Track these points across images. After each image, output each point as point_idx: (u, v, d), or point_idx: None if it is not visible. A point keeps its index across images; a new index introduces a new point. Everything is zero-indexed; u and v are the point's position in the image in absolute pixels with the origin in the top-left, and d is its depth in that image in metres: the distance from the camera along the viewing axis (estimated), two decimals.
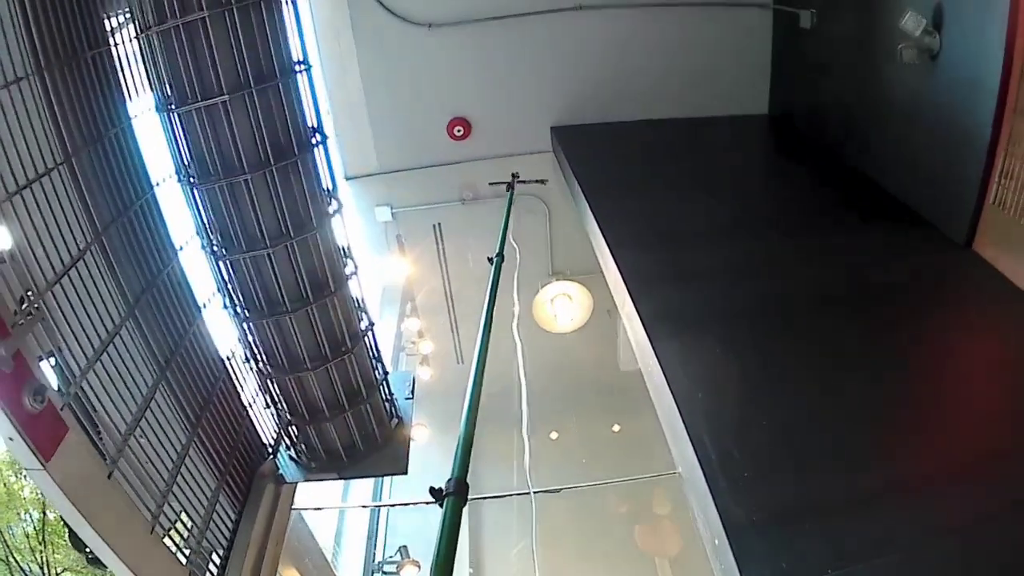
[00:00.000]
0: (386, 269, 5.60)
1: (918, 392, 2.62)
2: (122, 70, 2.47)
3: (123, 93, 2.49)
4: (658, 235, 3.94)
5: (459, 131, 5.31)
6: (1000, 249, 3.13)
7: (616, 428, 5.83)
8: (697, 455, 2.44)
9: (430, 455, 5.76)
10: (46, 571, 8.11)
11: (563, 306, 5.54)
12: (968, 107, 3.13)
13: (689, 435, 2.54)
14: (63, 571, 8.28)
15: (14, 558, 8.14)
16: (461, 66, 5.15)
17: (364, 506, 4.24)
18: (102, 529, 2.07)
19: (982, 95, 3.01)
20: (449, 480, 1.46)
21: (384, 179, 5.40)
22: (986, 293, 3.09)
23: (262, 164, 2.46)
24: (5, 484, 8.30)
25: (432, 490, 1.45)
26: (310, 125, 2.70)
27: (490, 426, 5.89)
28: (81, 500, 2.00)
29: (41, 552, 8.01)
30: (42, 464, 1.89)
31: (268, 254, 2.55)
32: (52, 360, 2.13)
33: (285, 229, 2.58)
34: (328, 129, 5.11)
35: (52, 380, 2.10)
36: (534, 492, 3.17)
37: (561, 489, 3.59)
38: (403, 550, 4.05)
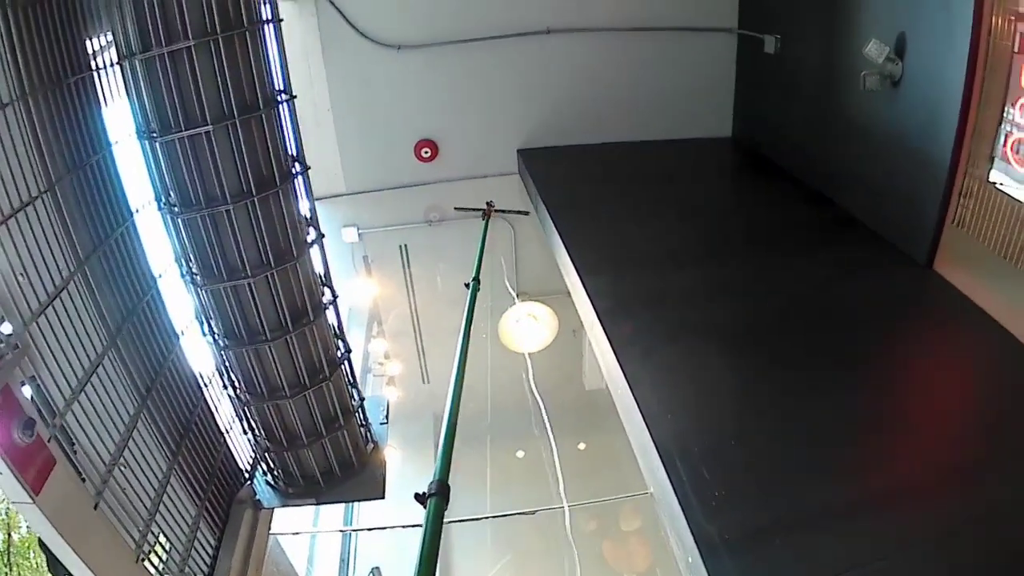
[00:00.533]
0: (353, 290, 5.59)
1: (885, 409, 2.68)
2: (103, 96, 2.47)
3: (103, 119, 2.49)
4: (625, 258, 3.99)
5: (426, 152, 5.35)
6: (960, 268, 3.24)
7: (582, 446, 5.91)
8: (668, 475, 2.47)
9: (404, 475, 5.77)
10: None
11: (529, 327, 5.60)
12: (929, 131, 3.25)
13: (660, 455, 2.57)
14: None
15: None
16: (429, 88, 5.19)
17: (342, 530, 4.22)
18: (90, 559, 2.07)
19: (943, 119, 3.13)
20: (431, 483, 1.53)
21: (351, 200, 5.40)
22: (947, 311, 3.20)
23: (244, 194, 2.48)
24: None
25: (416, 495, 1.53)
26: (291, 154, 2.73)
27: (459, 448, 5.95)
28: (69, 532, 2.01)
29: (7, 574, 7.69)
30: (32, 498, 1.89)
31: (249, 283, 2.57)
32: (31, 390, 2.13)
33: (266, 259, 2.60)
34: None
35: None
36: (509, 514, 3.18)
37: (536, 511, 3.62)
38: (375, 571, 4.04)
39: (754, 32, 4.92)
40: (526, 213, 4.40)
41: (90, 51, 2.43)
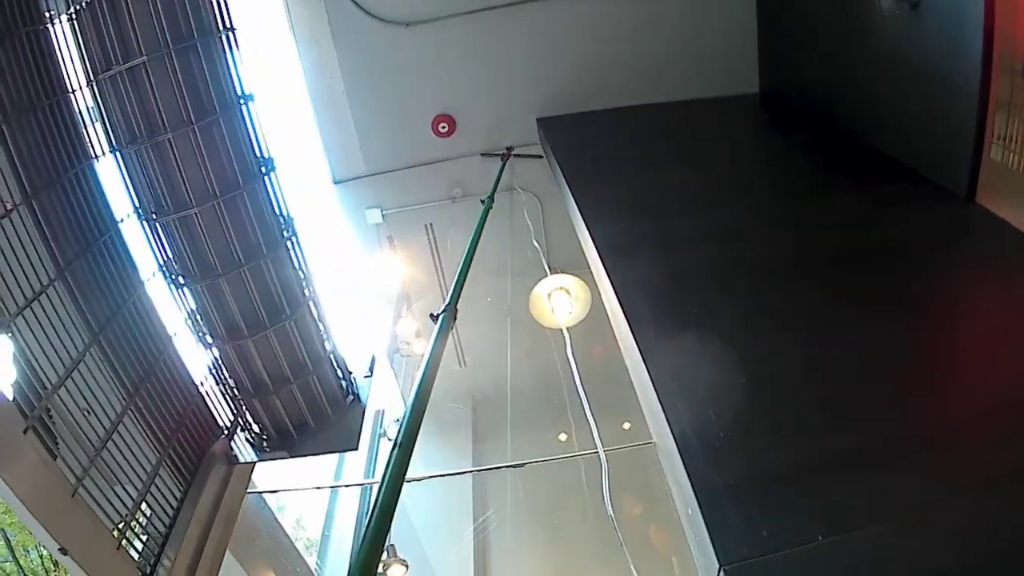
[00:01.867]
0: (379, 271, 5.54)
1: (920, 349, 2.39)
2: (80, 114, 2.53)
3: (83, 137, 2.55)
4: (636, 208, 3.75)
5: (444, 128, 5.26)
6: (1004, 197, 2.89)
7: (627, 426, 5.60)
8: (667, 419, 2.23)
9: (428, 462, 5.66)
10: None
11: (561, 300, 5.37)
12: (954, 53, 2.95)
13: (659, 397, 2.33)
14: None
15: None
16: (442, 62, 5.11)
17: (318, 487, 4.10)
18: (14, 483, 1.99)
19: (968, 38, 2.82)
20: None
21: (372, 181, 5.37)
22: (992, 243, 2.86)
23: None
24: None
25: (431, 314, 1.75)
26: (258, 156, 2.71)
27: (488, 443, 5.78)
28: None
29: (55, 573, 8.06)
30: None
31: (195, 213, 2.52)
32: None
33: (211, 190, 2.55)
34: (312, 134, 5.20)
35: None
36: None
37: (524, 464, 3.40)
38: (391, 549, 3.90)
39: None
40: (540, 156, 4.23)
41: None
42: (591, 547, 5.08)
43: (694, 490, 1.96)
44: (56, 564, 8.01)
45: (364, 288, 5.51)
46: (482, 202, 4.07)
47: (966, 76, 2.87)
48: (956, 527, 1.74)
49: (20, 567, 8.20)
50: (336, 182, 5.38)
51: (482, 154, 5.08)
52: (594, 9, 4.99)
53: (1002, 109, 2.76)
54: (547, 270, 5.57)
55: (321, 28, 4.96)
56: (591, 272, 3.72)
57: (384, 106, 5.24)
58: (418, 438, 4.83)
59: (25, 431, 2.07)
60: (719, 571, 1.76)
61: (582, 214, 3.74)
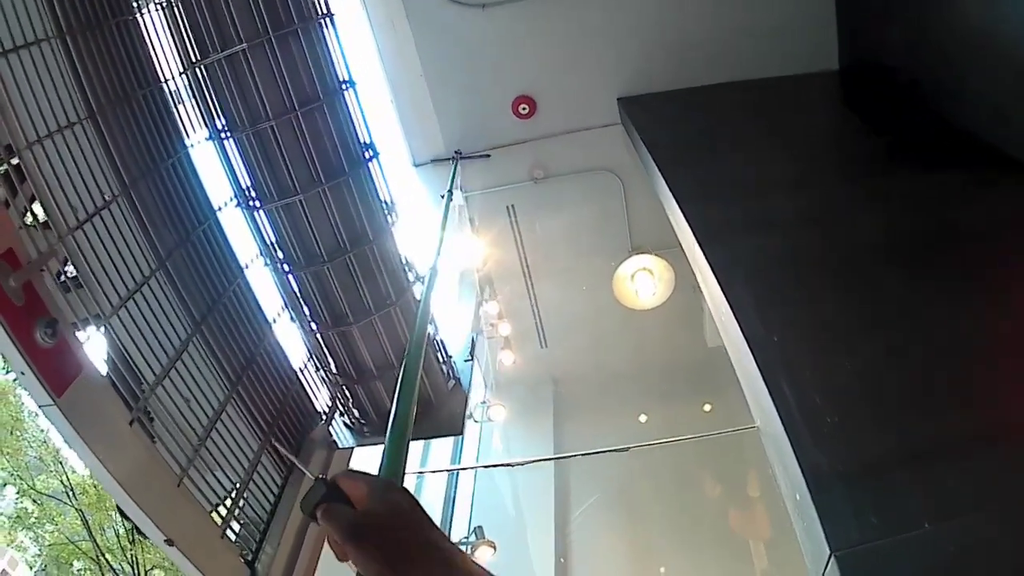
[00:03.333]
0: (462, 253, 5.54)
1: (1017, 335, 2.29)
2: (175, 103, 2.56)
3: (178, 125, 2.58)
4: (728, 189, 3.68)
5: (524, 109, 5.17)
6: None
7: (707, 408, 5.47)
8: (775, 403, 2.22)
9: (509, 444, 5.66)
10: (136, 569, 8.55)
11: (644, 281, 5.27)
12: None
13: (765, 381, 2.31)
14: (152, 568, 8.65)
15: (105, 558, 8.61)
16: (520, 43, 5.01)
17: (420, 472, 4.11)
18: (119, 474, 2.03)
19: None
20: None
21: (471, 158, 5.35)
22: None
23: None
24: (96, 487, 8.74)
25: None
26: (361, 141, 2.69)
27: (569, 424, 5.73)
28: (96, 442, 1.97)
29: (131, 551, 8.45)
30: (53, 400, 1.87)
31: (299, 200, 2.52)
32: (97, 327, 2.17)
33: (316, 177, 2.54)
34: (392, 119, 5.20)
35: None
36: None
37: (629, 448, 3.36)
38: (478, 530, 3.91)
39: None
40: (487, 155, 4.22)
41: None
42: (681, 532, 5.01)
43: (804, 475, 1.96)
44: (132, 542, 8.45)
45: (447, 271, 5.51)
46: (442, 197, 4.05)
47: None
48: None
49: (96, 545, 8.68)
50: (416, 165, 5.37)
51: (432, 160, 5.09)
52: None
53: None
54: (630, 250, 5.48)
55: (396, 12, 4.93)
56: (678, 253, 3.69)
57: (463, 88, 5.19)
58: (502, 419, 4.85)
59: (131, 423, 2.10)
60: (829, 557, 1.77)
61: (674, 195, 3.66)
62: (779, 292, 2.79)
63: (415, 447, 2.74)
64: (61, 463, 8.47)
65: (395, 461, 1.44)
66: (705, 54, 4.95)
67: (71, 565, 9.04)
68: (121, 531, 8.36)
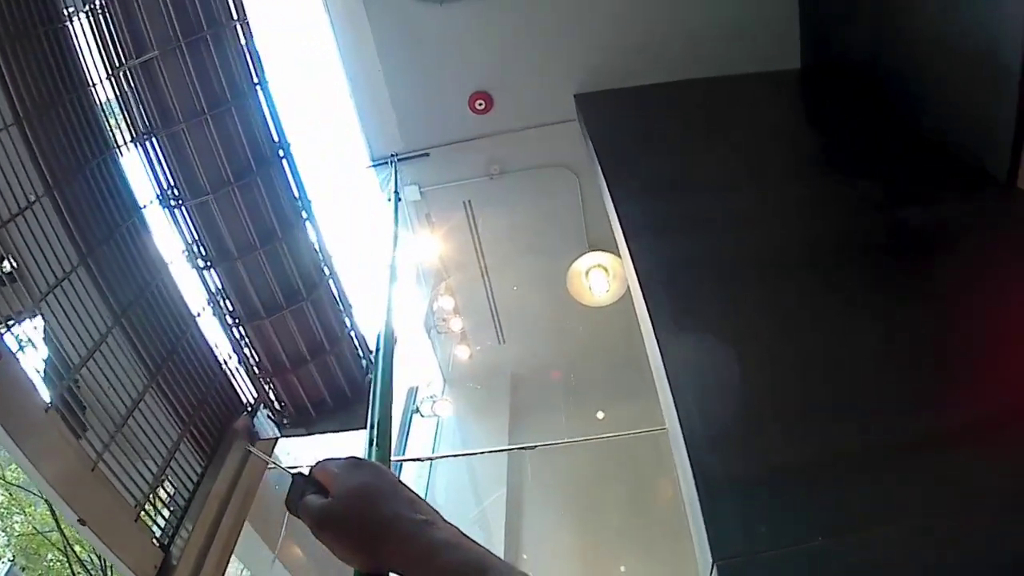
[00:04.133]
0: (418, 248, 5.60)
1: (944, 344, 2.28)
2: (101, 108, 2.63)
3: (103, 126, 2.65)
4: (666, 188, 3.70)
5: (481, 105, 5.21)
6: None
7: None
8: (676, 408, 2.22)
9: (465, 437, 5.74)
10: (103, 561, 8.57)
11: (598, 278, 5.34)
12: (997, 30, 2.83)
13: (670, 385, 2.32)
14: None
15: (73, 550, 8.66)
16: (477, 39, 5.06)
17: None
18: (35, 457, 2.12)
19: (1011, 19, 2.71)
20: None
21: (410, 158, 5.41)
22: None
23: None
24: None
25: None
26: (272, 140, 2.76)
27: (525, 419, 5.80)
28: (15, 428, 2.05)
29: None
30: None
31: (211, 199, 2.59)
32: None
33: (226, 178, 2.62)
34: (349, 113, 5.26)
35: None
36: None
37: (536, 446, 3.43)
38: None
39: None
40: (427, 154, 4.27)
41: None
42: (619, 527, 5.10)
43: (695, 481, 1.95)
44: None
45: (403, 265, 5.57)
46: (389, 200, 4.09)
47: (1009, 58, 2.76)
48: (960, 535, 1.68)
49: (64, 536, 8.74)
50: (373, 160, 5.43)
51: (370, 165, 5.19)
52: None
53: None
54: (586, 247, 5.55)
55: (356, 6, 4.97)
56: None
57: (421, 84, 5.22)
58: (454, 414, 4.90)
59: (46, 410, 2.19)
60: (712, 566, 1.73)
61: (611, 194, 3.69)
62: (698, 296, 2.78)
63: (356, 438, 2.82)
64: None
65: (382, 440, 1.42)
66: (665, 51, 4.98)
67: (39, 556, 9.11)
68: None
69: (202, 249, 2.74)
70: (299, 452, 3.32)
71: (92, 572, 9.04)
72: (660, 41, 4.98)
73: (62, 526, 8.62)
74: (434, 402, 4.76)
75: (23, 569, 9.44)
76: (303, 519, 0.80)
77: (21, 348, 2.24)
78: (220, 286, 2.80)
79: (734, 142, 4.09)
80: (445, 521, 0.77)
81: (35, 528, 9.01)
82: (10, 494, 9.09)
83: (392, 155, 5.05)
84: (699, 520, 1.87)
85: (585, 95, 5.18)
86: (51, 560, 9.25)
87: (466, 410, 5.45)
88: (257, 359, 2.91)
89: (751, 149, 3.97)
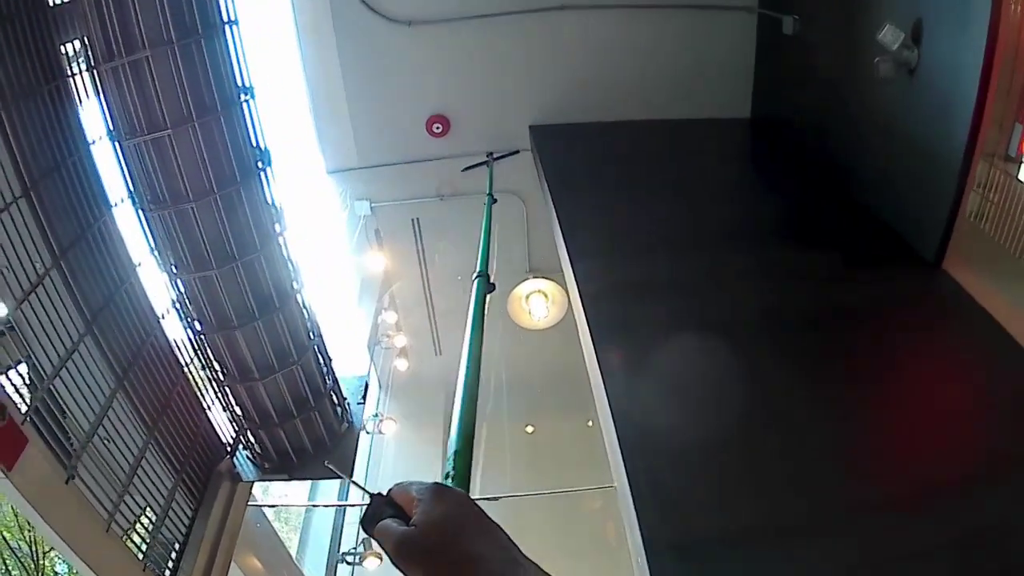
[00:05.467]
0: (364, 263, 5.74)
1: (875, 419, 2.57)
2: (79, 99, 2.61)
3: (80, 121, 2.63)
4: (619, 244, 3.93)
5: (438, 128, 5.38)
6: (969, 268, 3.09)
7: (590, 423, 5.98)
8: (627, 472, 2.44)
9: (401, 445, 5.99)
10: (34, 549, 8.26)
11: (537, 303, 5.67)
12: (944, 121, 3.08)
13: (621, 450, 2.54)
14: (50, 549, 8.36)
15: (3, 536, 8.32)
16: (441, 64, 5.21)
17: (313, 505, 4.44)
18: (60, 529, 2.26)
19: (958, 107, 2.96)
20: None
21: (363, 174, 5.50)
22: (953, 316, 3.05)
23: (207, 192, 2.61)
24: None
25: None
26: (256, 149, 2.82)
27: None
28: (41, 504, 2.19)
29: (30, 531, 8.17)
30: (4, 474, 2.08)
31: (215, 275, 2.72)
32: (23, 368, 2.33)
33: (231, 251, 2.73)
34: (308, 123, 5.29)
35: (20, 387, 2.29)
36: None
37: (500, 498, 3.75)
38: (366, 541, 4.24)
39: (773, 12, 4.74)
40: (517, 152, 4.43)
41: (64, 56, 2.56)
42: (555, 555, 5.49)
43: (643, 542, 2.19)
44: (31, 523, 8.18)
45: (349, 279, 5.71)
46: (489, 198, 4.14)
47: (951, 147, 3.01)
48: None
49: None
50: (329, 172, 5.50)
51: (463, 169, 5.27)
52: (595, 23, 5.10)
53: (978, 187, 2.94)
54: (527, 272, 5.85)
55: (324, 20, 5.00)
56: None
57: (380, 101, 5.34)
58: (393, 423, 5.10)
59: (67, 481, 2.33)
60: None
61: (568, 252, 3.86)
62: (649, 363, 2.96)
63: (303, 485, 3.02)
64: None
65: (461, 462, 1.31)
66: (621, 91, 5.29)
67: None
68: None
69: (196, 312, 2.86)
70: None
71: (22, 559, 8.66)
72: (617, 81, 5.28)
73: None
74: (380, 420, 4.97)
75: None
76: (381, 542, 0.80)
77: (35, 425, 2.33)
78: (210, 348, 2.94)
79: (682, 193, 4.38)
80: (526, 558, 0.77)
81: None
82: None
83: (489, 154, 5.07)
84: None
85: (540, 127, 5.43)
86: None
87: (403, 422, 5.68)
88: (245, 411, 3.08)
89: (698, 204, 4.23)
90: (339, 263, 5.68)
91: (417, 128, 5.41)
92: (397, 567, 0.78)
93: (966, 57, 2.91)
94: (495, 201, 3.77)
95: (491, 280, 2.52)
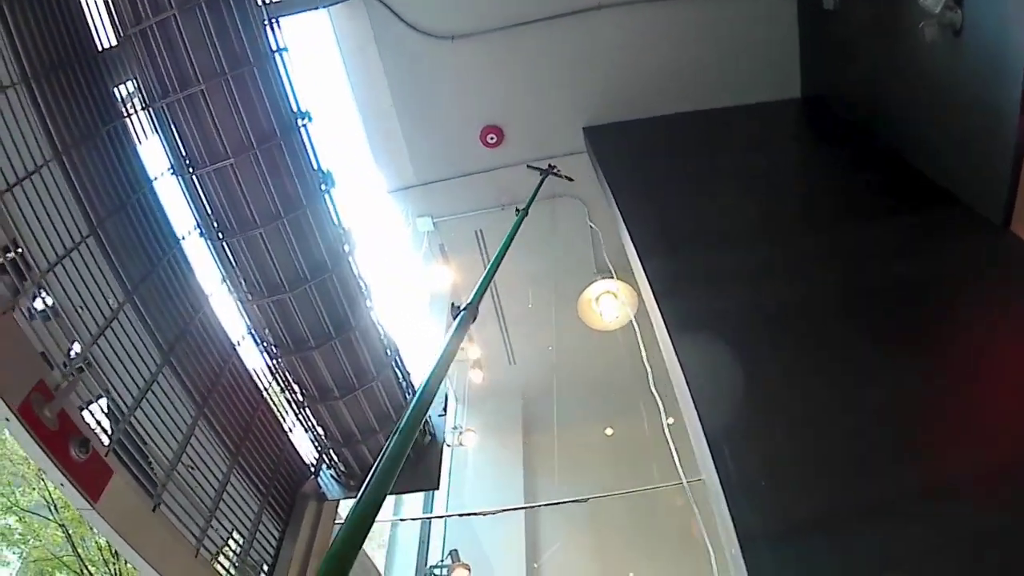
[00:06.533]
0: (431, 278, 5.78)
1: (950, 396, 2.48)
2: (137, 138, 2.71)
3: (140, 159, 2.73)
4: (685, 237, 3.89)
5: (492, 139, 5.40)
6: None
7: (671, 420, 5.82)
8: (715, 461, 2.43)
9: (481, 456, 5.98)
10: None
11: (608, 303, 5.57)
12: (997, 78, 2.96)
13: (708, 442, 2.53)
14: None
15: (88, 571, 8.70)
16: (488, 75, 5.22)
17: (395, 520, 4.44)
18: (149, 557, 2.31)
19: (1010, 62, 2.85)
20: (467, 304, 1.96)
21: (423, 190, 5.56)
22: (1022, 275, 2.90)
23: (274, 216, 2.65)
24: None
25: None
26: (318, 171, 2.85)
27: (536, 435, 6.05)
28: (129, 533, 2.25)
29: (114, 564, 8.51)
30: (91, 505, 2.14)
31: (290, 298, 2.75)
32: (103, 401, 2.41)
33: (303, 274, 2.77)
34: (362, 146, 5.37)
35: (101, 421, 2.36)
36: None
37: (588, 499, 3.67)
38: (454, 554, 4.23)
39: None
40: (571, 179, 4.39)
41: (119, 97, 2.67)
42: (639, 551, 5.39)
43: (736, 534, 2.18)
44: (115, 555, 8.53)
45: (418, 295, 5.76)
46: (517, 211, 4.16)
47: (1006, 105, 2.89)
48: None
49: (80, 557, 8.80)
50: (389, 192, 5.57)
51: (528, 165, 5.22)
52: (633, 19, 5.02)
53: None
54: (595, 273, 5.77)
55: (367, 43, 5.07)
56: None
57: (431, 117, 5.38)
58: (474, 434, 5.11)
59: (154, 509, 2.38)
60: None
61: (635, 246, 3.83)
62: (727, 352, 2.92)
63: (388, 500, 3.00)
64: (43, 478, 8.52)
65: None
66: (669, 83, 5.18)
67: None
68: (103, 543, 8.46)
69: (275, 338, 2.90)
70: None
71: None
72: (664, 73, 5.17)
73: (77, 549, 8.66)
74: (460, 432, 4.97)
75: None
76: None
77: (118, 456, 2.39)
78: (289, 370, 2.98)
79: (743, 184, 4.25)
80: None
81: (51, 552, 9.03)
82: (23, 520, 9.07)
83: (550, 165, 5.05)
84: (741, 570, 2.11)
85: (593, 128, 5.38)
86: None
87: (482, 433, 5.68)
88: (327, 430, 3.10)
89: (760, 192, 4.12)
90: (407, 281, 5.72)
91: (471, 141, 5.43)
92: None
93: (1011, 11, 2.80)
94: (526, 215, 3.71)
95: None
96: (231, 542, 2.75)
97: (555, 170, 4.67)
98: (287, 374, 2.99)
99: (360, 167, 5.54)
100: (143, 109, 2.64)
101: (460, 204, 5.67)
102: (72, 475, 2.10)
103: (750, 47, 5.03)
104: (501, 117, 5.40)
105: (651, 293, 3.46)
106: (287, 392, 3.05)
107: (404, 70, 5.18)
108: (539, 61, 5.18)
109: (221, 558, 2.66)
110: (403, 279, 5.59)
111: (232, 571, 2.68)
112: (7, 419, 1.94)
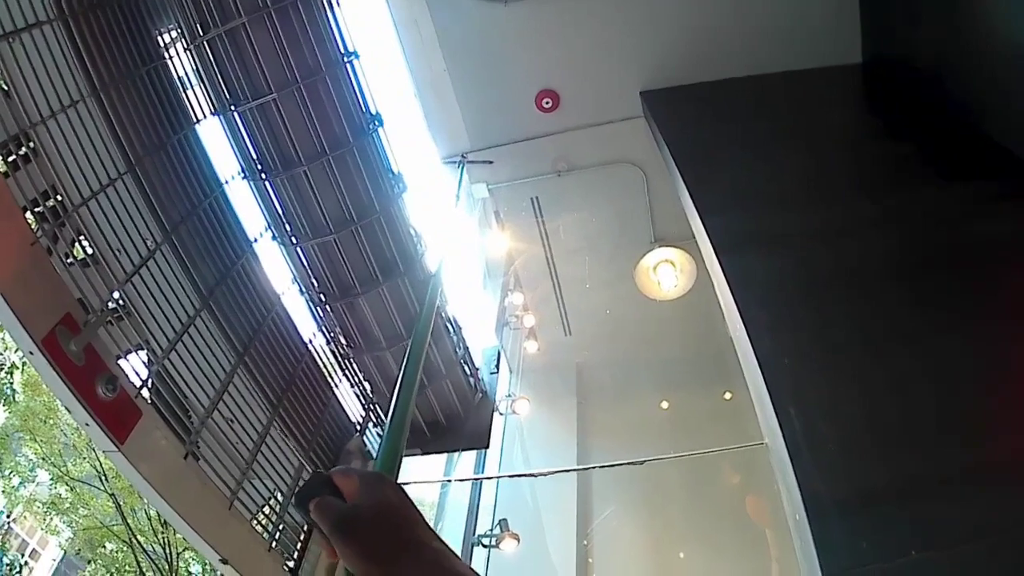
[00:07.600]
0: (487, 245, 5.67)
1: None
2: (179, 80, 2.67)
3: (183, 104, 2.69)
4: (747, 199, 3.71)
5: (548, 103, 5.22)
6: None
7: (728, 396, 5.60)
8: (780, 426, 2.33)
9: (534, 427, 5.86)
10: (167, 551, 8.80)
11: (666, 273, 5.37)
12: None
13: (773, 404, 2.42)
14: (184, 550, 8.94)
15: (137, 540, 8.96)
16: (542, 38, 5.04)
17: (447, 480, 4.34)
18: (177, 505, 2.24)
19: None
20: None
21: (478, 156, 5.44)
22: None
23: (319, 154, 2.58)
24: None
25: None
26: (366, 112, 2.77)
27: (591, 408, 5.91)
28: (155, 478, 2.18)
29: (163, 533, 8.73)
30: (117, 447, 2.08)
31: (334, 239, 2.67)
32: (142, 352, 2.37)
33: (349, 216, 2.69)
34: (415, 112, 5.29)
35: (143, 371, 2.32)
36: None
37: (644, 461, 3.50)
38: (503, 523, 4.11)
39: None
40: (490, 162, 4.22)
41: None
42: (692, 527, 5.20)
43: (803, 499, 2.09)
44: (165, 525, 8.77)
45: (473, 263, 5.66)
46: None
47: None
48: None
49: (129, 527, 9.08)
50: (444, 160, 5.48)
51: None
52: None
53: None
54: (652, 242, 5.57)
55: (420, 9, 4.97)
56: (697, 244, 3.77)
57: (486, 82, 5.24)
58: (527, 403, 5.01)
59: (185, 456, 2.32)
60: None
61: (695, 205, 3.70)
62: (792, 313, 2.84)
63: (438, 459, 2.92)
64: (93, 448, 8.82)
65: (390, 456, 1.45)
66: (727, 46, 4.93)
67: (103, 547, 9.46)
68: (153, 513, 8.72)
69: (316, 286, 2.83)
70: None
71: (156, 561, 9.38)
72: (722, 36, 4.93)
73: (127, 519, 8.94)
74: (512, 400, 4.86)
75: (89, 562, 9.84)
76: (318, 518, 0.82)
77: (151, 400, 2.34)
78: (335, 319, 2.90)
79: (803, 147, 4.07)
80: (458, 557, 0.80)
81: (99, 521, 9.35)
82: (73, 489, 9.42)
83: (462, 155, 5.01)
84: (807, 536, 2.03)
85: (651, 92, 5.16)
86: (112, 551, 9.59)
87: (536, 403, 5.54)
88: (373, 384, 3.02)
89: (820, 156, 3.95)
90: (462, 248, 5.62)
91: (527, 105, 5.26)
92: (332, 542, 0.80)
93: None
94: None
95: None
96: (266, 494, 2.68)
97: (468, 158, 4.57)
98: (335, 323, 2.91)
99: (414, 133, 5.45)
100: (185, 51, 2.59)
101: (516, 170, 5.51)
102: (97, 413, 2.04)
103: (809, 10, 4.74)
104: (556, 81, 5.21)
105: (712, 251, 3.31)
106: (333, 343, 2.98)
107: (457, 37, 5.06)
108: (595, 23, 4.97)
109: (259, 516, 2.59)
110: (459, 247, 5.49)
111: (268, 528, 2.61)
112: (31, 352, 1.90)
